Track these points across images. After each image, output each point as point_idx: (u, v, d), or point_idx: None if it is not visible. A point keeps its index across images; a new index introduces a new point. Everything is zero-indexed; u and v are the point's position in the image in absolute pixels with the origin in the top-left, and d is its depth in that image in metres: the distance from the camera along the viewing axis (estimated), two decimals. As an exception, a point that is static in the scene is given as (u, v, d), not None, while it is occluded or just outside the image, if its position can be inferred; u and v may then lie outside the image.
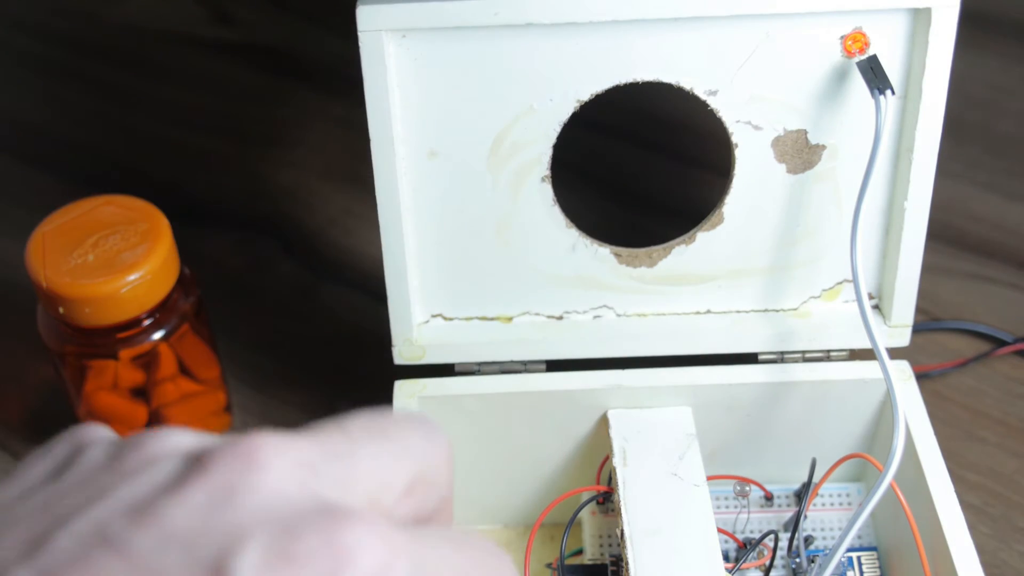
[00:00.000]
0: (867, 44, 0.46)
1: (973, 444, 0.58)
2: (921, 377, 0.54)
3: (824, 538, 0.52)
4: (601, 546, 0.50)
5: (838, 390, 0.51)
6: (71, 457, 0.31)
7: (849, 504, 0.54)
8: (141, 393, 0.54)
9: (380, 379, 0.60)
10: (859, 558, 0.52)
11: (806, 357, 0.52)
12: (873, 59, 0.46)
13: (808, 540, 0.51)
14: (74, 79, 0.85)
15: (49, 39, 0.89)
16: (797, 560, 0.50)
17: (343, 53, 0.86)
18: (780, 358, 0.52)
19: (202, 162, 0.78)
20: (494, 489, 0.54)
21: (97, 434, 0.31)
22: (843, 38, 0.46)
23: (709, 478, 0.48)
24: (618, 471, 0.47)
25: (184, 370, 0.55)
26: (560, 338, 0.52)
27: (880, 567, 0.51)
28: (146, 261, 0.50)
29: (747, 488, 0.51)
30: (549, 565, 0.51)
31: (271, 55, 0.87)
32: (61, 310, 0.49)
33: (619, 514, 0.46)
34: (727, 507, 0.53)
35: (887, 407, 0.51)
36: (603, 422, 0.51)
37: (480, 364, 0.52)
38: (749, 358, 0.52)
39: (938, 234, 0.69)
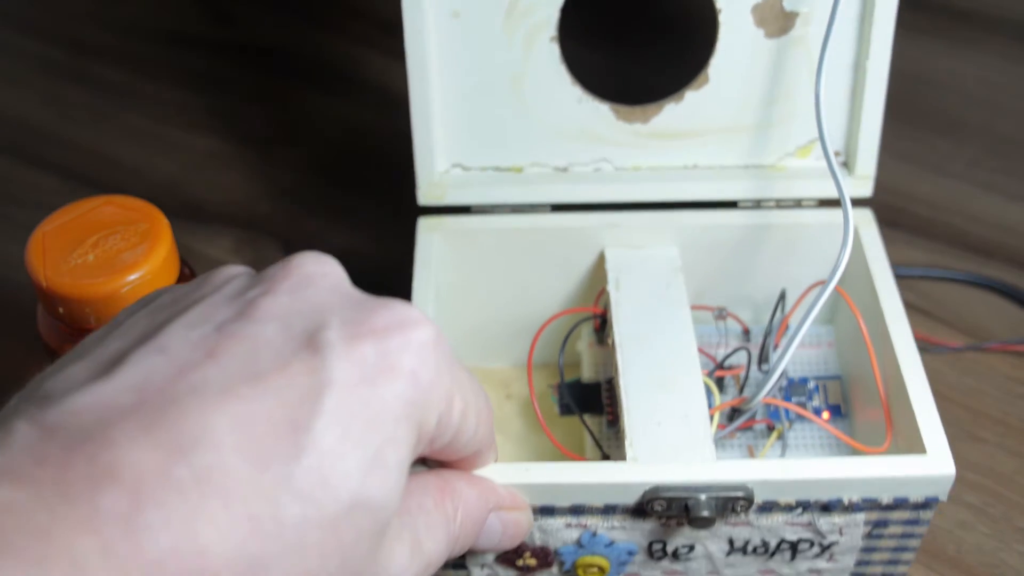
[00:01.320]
0: None
1: (972, 444, 0.58)
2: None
3: (795, 372, 0.58)
4: (597, 374, 0.56)
5: (808, 233, 0.57)
6: (160, 293, 0.37)
7: (819, 343, 0.59)
8: None
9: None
10: (824, 385, 0.57)
11: (779, 204, 0.57)
12: None
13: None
14: (74, 79, 0.85)
15: (49, 39, 0.90)
16: (766, 367, 0.56)
17: (343, 53, 0.87)
18: (757, 205, 0.57)
19: (202, 162, 0.78)
20: (504, 328, 0.60)
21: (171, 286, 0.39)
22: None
23: (692, 307, 0.54)
24: (612, 295, 0.54)
25: None
26: (564, 186, 0.57)
27: (842, 393, 0.57)
28: (146, 261, 0.49)
29: (725, 312, 0.58)
30: (551, 385, 0.57)
31: (271, 55, 0.87)
32: (61, 310, 0.49)
33: (610, 328, 0.52)
34: (708, 337, 0.58)
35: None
36: (600, 259, 0.56)
37: (494, 206, 0.57)
38: (730, 205, 0.57)
39: (938, 234, 0.70)
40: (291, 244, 0.72)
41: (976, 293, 0.67)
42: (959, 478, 0.55)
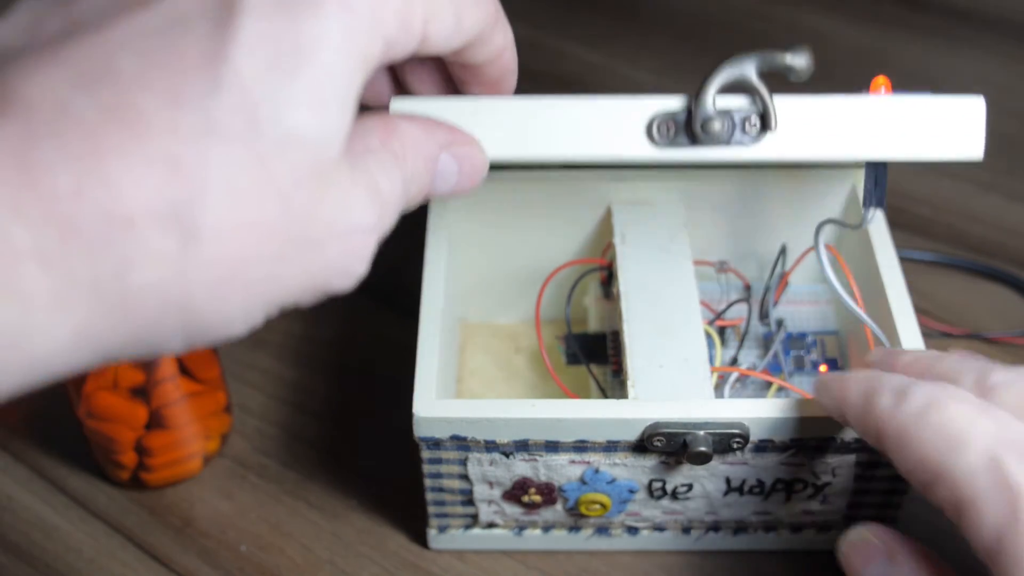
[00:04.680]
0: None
1: None
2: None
3: (795, 327, 0.61)
4: (603, 326, 0.60)
5: (812, 192, 0.60)
6: None
7: (818, 300, 0.63)
8: (141, 393, 0.56)
9: (380, 375, 0.67)
10: (822, 340, 0.61)
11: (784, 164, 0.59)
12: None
13: (779, 323, 0.61)
14: None
15: None
16: (767, 320, 0.60)
17: None
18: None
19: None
20: (513, 283, 0.63)
21: None
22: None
23: (695, 262, 0.57)
24: (617, 248, 0.56)
25: (184, 370, 0.57)
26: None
27: (840, 347, 0.60)
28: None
29: (726, 265, 0.61)
30: (558, 337, 0.61)
31: None
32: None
33: (616, 279, 0.54)
34: (711, 293, 0.61)
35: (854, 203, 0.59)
36: (607, 215, 0.59)
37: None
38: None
39: (938, 234, 0.73)
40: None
41: (976, 293, 0.70)
42: None
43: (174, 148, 0.28)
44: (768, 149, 0.45)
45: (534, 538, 0.54)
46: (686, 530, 0.54)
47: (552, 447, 0.49)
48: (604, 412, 0.48)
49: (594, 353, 0.57)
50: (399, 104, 0.43)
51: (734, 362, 0.58)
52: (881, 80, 0.46)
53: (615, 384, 0.56)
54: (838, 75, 0.85)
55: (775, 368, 0.58)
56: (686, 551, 0.55)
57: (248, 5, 0.29)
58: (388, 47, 0.33)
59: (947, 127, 0.45)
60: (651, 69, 0.88)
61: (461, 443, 0.49)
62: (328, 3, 0.30)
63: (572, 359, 0.57)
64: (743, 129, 0.44)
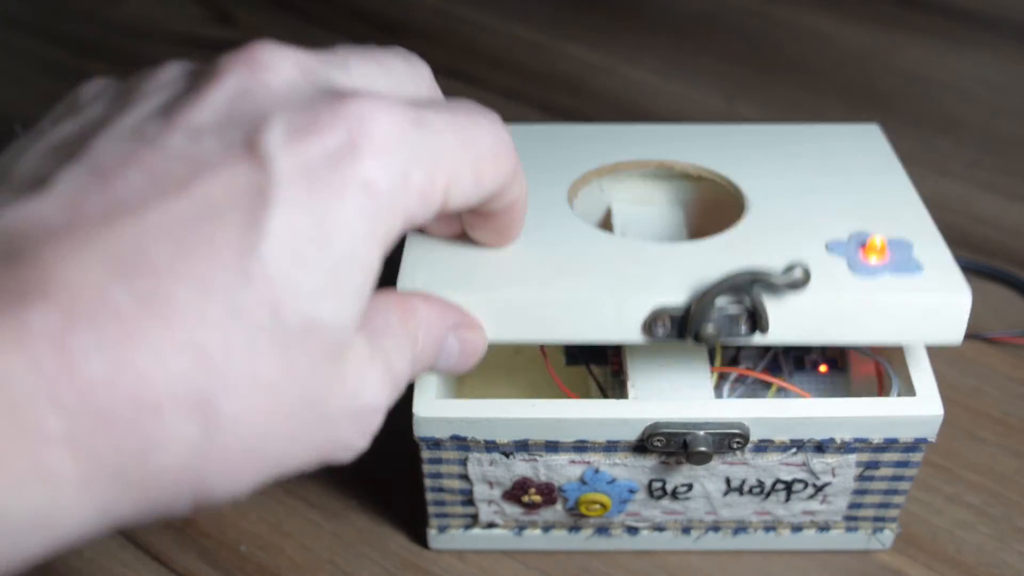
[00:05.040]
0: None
1: (973, 444, 0.61)
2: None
3: None
4: None
5: None
6: (87, 96, 0.36)
7: None
8: None
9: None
10: None
11: None
12: None
13: None
14: (74, 79, 0.89)
15: (49, 39, 0.94)
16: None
17: None
18: None
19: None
20: None
21: (100, 81, 0.37)
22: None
23: None
24: None
25: None
26: None
27: (840, 348, 0.59)
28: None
29: None
30: None
31: None
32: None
33: None
34: None
35: None
36: (607, 215, 0.59)
37: None
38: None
39: None
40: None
41: (976, 293, 0.69)
42: (959, 478, 0.59)
43: (201, 336, 0.29)
44: (757, 338, 0.46)
45: (534, 538, 0.55)
46: (686, 530, 0.54)
47: (552, 447, 0.49)
48: (604, 412, 0.48)
49: (594, 354, 0.57)
50: (408, 284, 0.45)
51: (734, 362, 0.58)
52: (879, 242, 0.48)
53: (615, 384, 0.56)
54: (838, 75, 0.85)
55: (775, 368, 0.58)
56: (686, 551, 0.56)
57: (281, 198, 0.30)
58: (408, 222, 0.34)
59: (931, 319, 0.46)
60: (651, 69, 0.88)
61: (461, 443, 0.49)
62: (351, 187, 0.31)
63: (572, 360, 0.57)
64: (736, 325, 0.45)
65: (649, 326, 0.46)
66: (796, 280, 0.44)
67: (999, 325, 0.67)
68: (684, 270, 0.47)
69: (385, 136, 0.32)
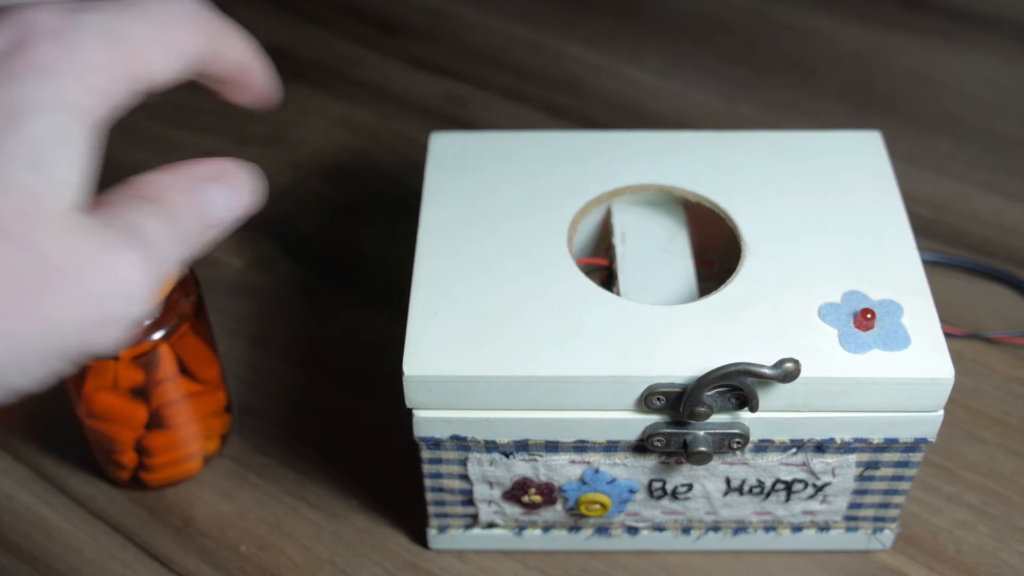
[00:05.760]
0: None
1: (973, 444, 0.61)
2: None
3: None
4: None
5: None
6: None
7: None
8: (141, 393, 0.56)
9: (380, 375, 0.67)
10: None
11: None
12: None
13: None
14: None
15: None
16: None
17: (343, 53, 0.91)
18: None
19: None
20: None
21: None
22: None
23: (696, 263, 0.57)
24: (617, 248, 0.57)
25: (184, 370, 0.57)
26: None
27: None
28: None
29: (726, 265, 0.58)
30: None
31: (271, 55, 0.90)
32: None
33: (615, 278, 0.55)
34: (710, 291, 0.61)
35: None
36: (607, 215, 0.59)
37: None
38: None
39: (938, 234, 0.73)
40: (291, 244, 0.75)
41: (976, 293, 0.70)
42: (959, 478, 0.59)
43: None
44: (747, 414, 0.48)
45: (534, 538, 0.55)
46: (686, 530, 0.55)
47: (552, 447, 0.49)
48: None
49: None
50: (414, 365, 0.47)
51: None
52: (870, 316, 0.49)
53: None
54: (838, 75, 0.85)
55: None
56: (686, 551, 0.56)
57: None
58: (107, 97, 0.34)
59: (914, 395, 0.48)
60: (651, 69, 0.88)
61: (461, 443, 0.49)
62: (28, 71, 0.32)
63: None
64: (727, 402, 0.48)
65: (645, 400, 0.48)
66: (787, 372, 0.46)
67: (999, 325, 0.68)
68: (681, 341, 0.48)
69: (45, 24, 0.33)
